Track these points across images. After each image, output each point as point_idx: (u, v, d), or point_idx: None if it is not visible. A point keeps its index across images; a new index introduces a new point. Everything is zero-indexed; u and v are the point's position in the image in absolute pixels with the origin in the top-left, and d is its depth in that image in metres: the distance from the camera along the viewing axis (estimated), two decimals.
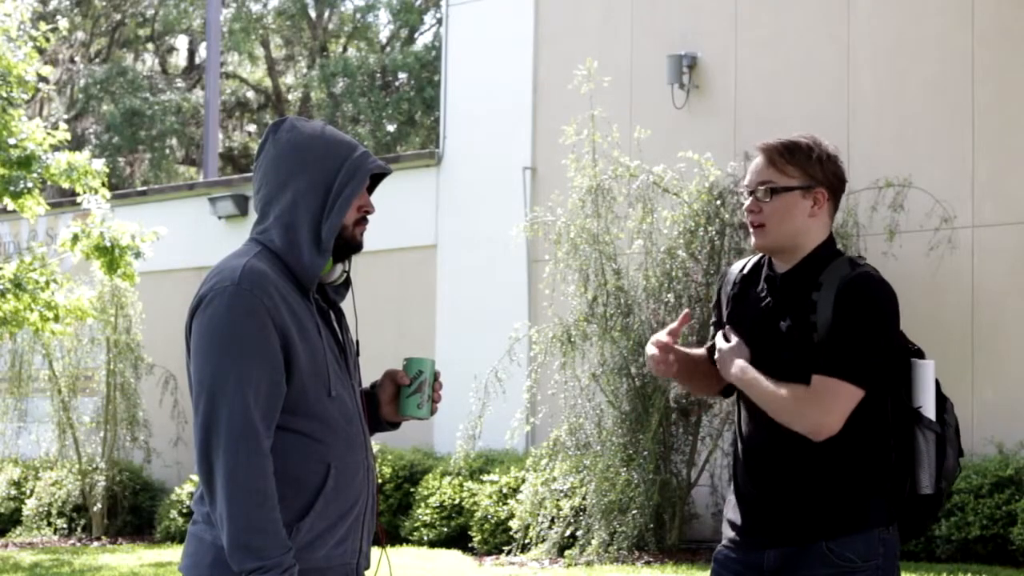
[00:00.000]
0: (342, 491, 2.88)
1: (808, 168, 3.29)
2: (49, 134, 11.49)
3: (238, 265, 2.84)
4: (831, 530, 3.17)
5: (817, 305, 3.18)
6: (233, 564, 2.74)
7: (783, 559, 3.20)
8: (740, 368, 3.22)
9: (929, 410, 3.19)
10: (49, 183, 11.89)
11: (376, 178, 3.06)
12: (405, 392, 3.04)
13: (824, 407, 3.11)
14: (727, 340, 3.30)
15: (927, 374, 3.21)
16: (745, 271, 3.39)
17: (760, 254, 3.37)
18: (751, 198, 3.27)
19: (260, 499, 2.73)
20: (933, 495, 3.19)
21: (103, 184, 11.64)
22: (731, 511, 3.34)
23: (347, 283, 3.07)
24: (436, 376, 3.05)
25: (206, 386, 2.78)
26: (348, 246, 2.97)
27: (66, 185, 11.76)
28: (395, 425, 3.13)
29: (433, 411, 3.07)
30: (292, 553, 2.76)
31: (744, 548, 3.27)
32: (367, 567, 3.01)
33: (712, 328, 3.50)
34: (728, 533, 3.33)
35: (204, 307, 2.82)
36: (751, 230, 3.29)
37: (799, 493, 3.19)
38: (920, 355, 3.26)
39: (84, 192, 11.54)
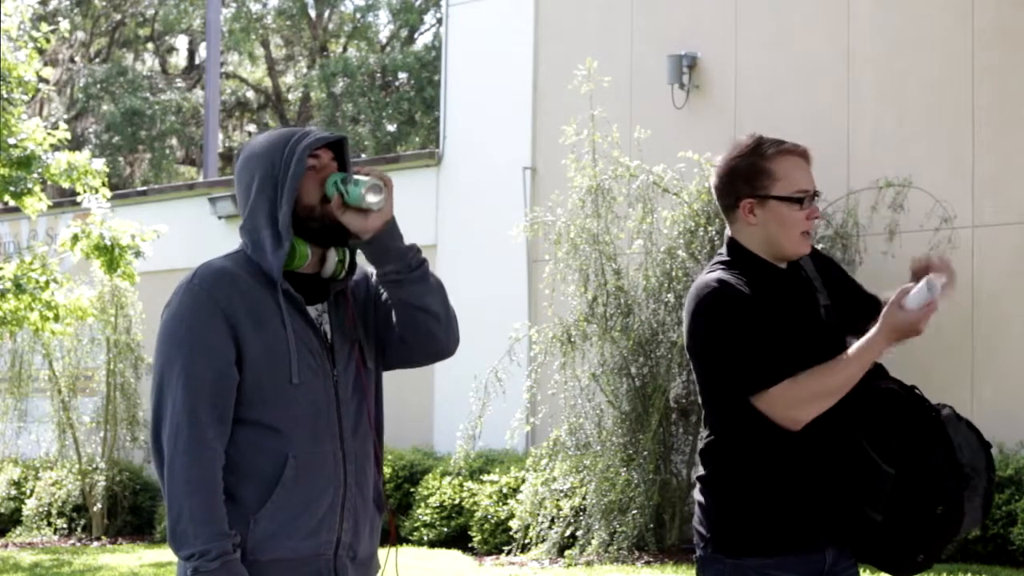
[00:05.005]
0: (305, 482, 2.89)
1: None
2: (49, 134, 11.50)
3: (202, 265, 2.95)
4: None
5: (814, 282, 3.34)
6: (172, 551, 2.83)
7: (835, 555, 3.21)
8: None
9: None
10: (49, 183, 11.90)
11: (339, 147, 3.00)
12: (347, 197, 2.89)
13: None
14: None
15: None
16: (742, 282, 3.22)
17: (727, 268, 3.25)
18: (813, 204, 3.23)
19: (193, 487, 2.79)
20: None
21: (103, 184, 11.65)
22: (786, 518, 3.17)
23: (352, 272, 3.05)
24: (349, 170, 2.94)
25: (155, 380, 2.89)
26: (330, 228, 2.93)
27: (66, 185, 11.77)
28: (378, 243, 2.92)
29: (382, 177, 2.89)
30: (230, 542, 2.79)
31: (805, 552, 3.18)
32: (354, 557, 2.98)
33: (757, 337, 3.15)
34: (780, 541, 3.17)
35: (165, 306, 2.94)
36: (805, 236, 3.26)
37: (850, 485, 3.18)
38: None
39: (84, 192, 11.55)
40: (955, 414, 3.20)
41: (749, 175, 3.23)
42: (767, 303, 3.19)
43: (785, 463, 3.15)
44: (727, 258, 3.28)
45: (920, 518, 3.12)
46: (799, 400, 3.10)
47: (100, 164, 11.63)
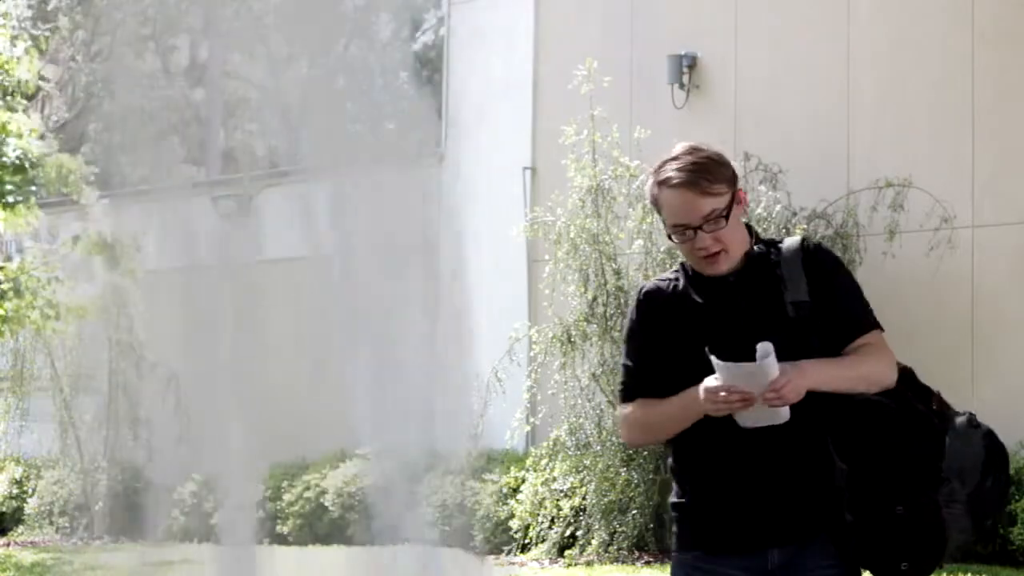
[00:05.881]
0: None
1: (726, 176, 3.20)
2: (33, 130, 11.44)
3: None
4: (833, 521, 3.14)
5: (786, 282, 3.19)
6: None
7: (787, 556, 3.13)
8: (811, 378, 3.07)
9: None
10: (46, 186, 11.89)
11: None
12: None
13: (891, 357, 3.17)
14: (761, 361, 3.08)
15: None
16: (668, 291, 3.26)
17: (673, 272, 3.29)
18: (700, 234, 3.13)
19: None
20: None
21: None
22: (712, 518, 3.18)
23: None
24: None
25: None
26: None
27: (65, 190, 11.76)
28: None
29: None
30: None
31: (740, 552, 3.16)
32: None
33: (636, 353, 3.25)
34: (711, 539, 3.19)
35: None
36: (707, 260, 3.17)
37: (805, 487, 3.12)
38: None
39: (79, 196, 11.54)
40: (970, 423, 3.14)
41: (651, 197, 3.26)
42: (686, 314, 3.19)
43: (711, 463, 3.16)
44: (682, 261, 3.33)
45: (881, 518, 3.07)
46: (631, 424, 3.28)
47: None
